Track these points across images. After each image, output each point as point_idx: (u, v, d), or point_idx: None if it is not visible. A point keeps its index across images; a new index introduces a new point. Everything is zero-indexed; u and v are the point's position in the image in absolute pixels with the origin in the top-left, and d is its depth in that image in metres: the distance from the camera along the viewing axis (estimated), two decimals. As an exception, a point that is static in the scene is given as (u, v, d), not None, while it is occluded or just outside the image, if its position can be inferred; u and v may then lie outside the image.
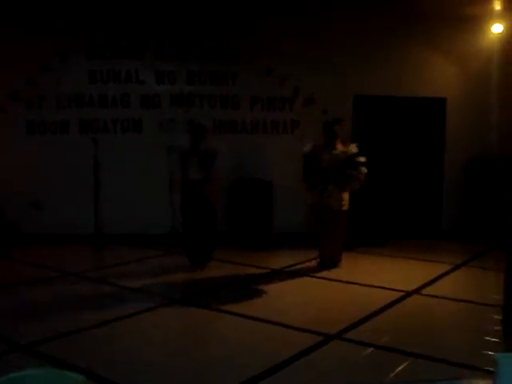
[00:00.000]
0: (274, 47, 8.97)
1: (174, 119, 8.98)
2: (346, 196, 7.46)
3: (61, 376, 1.77)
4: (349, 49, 9.09)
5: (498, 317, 5.40)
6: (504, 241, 8.07)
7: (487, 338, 5.03)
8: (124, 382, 4.07)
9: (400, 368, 4.33)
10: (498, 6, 8.72)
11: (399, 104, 9.51)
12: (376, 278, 6.97)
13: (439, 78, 9.54)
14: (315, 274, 7.24)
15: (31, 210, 8.65)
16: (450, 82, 9.56)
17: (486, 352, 4.69)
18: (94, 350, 4.67)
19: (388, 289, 6.51)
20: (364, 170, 7.24)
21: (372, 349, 4.75)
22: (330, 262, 7.50)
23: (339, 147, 7.47)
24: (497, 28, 9.04)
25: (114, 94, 8.87)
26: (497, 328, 5.22)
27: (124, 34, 8.79)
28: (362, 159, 7.30)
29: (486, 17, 9.02)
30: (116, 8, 8.63)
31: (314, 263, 7.65)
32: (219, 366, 4.42)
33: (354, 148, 7.30)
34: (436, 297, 6.30)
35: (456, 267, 7.59)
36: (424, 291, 6.48)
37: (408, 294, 6.30)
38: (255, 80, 9.08)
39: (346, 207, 7.46)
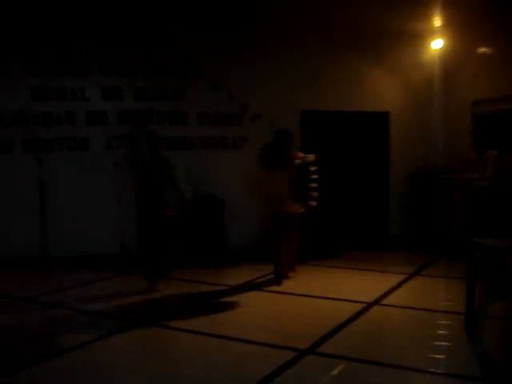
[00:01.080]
0: (221, 63, 9.00)
1: (121, 137, 8.82)
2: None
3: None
4: (295, 65, 9.23)
5: (457, 323, 5.56)
6: (454, 250, 8.39)
7: (453, 344, 5.16)
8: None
9: (378, 380, 4.37)
10: (437, 23, 9.05)
11: (345, 118, 9.73)
12: (335, 291, 7.02)
13: (382, 92, 9.83)
14: (274, 289, 7.21)
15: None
16: (393, 96, 9.87)
17: (457, 357, 4.84)
18: (65, 379, 4.46)
19: (349, 301, 6.56)
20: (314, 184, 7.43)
21: (346, 362, 4.77)
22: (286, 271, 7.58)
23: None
24: (437, 44, 9.38)
25: (58, 111, 8.63)
26: (459, 334, 5.37)
27: (68, 49, 8.58)
28: (313, 168, 7.50)
29: (427, 33, 9.36)
30: (60, 22, 8.40)
31: (270, 278, 7.65)
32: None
33: (311, 157, 7.45)
34: (396, 307, 6.40)
35: (409, 277, 7.75)
36: (384, 302, 6.56)
37: (369, 306, 6.36)
38: (203, 96, 9.07)
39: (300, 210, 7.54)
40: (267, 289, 7.27)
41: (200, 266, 8.43)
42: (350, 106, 9.61)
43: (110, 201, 8.75)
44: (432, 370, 4.59)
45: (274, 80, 9.14)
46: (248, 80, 9.05)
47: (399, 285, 7.33)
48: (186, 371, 4.62)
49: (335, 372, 4.54)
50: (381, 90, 9.81)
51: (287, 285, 7.39)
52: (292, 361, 4.74)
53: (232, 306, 6.57)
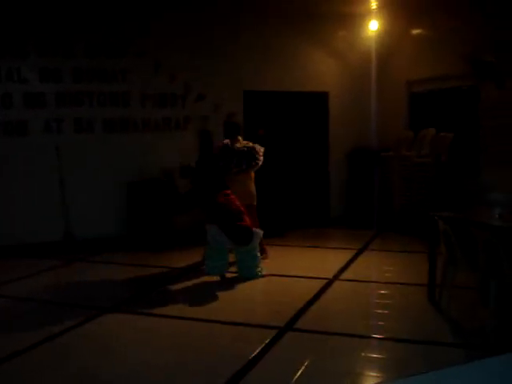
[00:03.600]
0: (162, 43, 8.84)
1: (61, 119, 8.50)
2: (252, 189, 7.57)
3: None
4: (238, 46, 9.19)
5: (418, 294, 5.82)
6: (394, 225, 8.75)
7: (419, 313, 5.40)
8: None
9: (350, 350, 4.53)
10: (374, 4, 9.27)
11: (286, 99, 9.81)
12: (294, 269, 7.15)
13: (322, 73, 9.97)
14: (232, 271, 7.23)
15: None
16: (332, 77, 10.03)
17: (425, 325, 5.08)
18: (47, 371, 4.31)
19: (309, 278, 6.70)
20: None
21: (327, 336, 4.89)
22: None
23: (241, 142, 7.57)
24: (373, 25, 9.63)
25: (-6, 94, 8.20)
26: (422, 304, 5.61)
27: (3, 29, 8.12)
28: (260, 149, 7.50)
29: (363, 15, 9.56)
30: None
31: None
32: (188, 373, 4.25)
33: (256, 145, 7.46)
34: (355, 281, 6.60)
35: (359, 252, 7.99)
36: (343, 276, 6.76)
37: (330, 281, 6.52)
38: (145, 76, 8.86)
39: (254, 202, 7.57)
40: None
41: (150, 251, 8.30)
42: (291, 87, 9.69)
43: (51, 186, 8.43)
44: (403, 337, 4.79)
45: (218, 61, 9.06)
46: (191, 61, 8.91)
47: (352, 260, 7.55)
48: (171, 357, 4.55)
49: (316, 346, 4.65)
50: (320, 71, 9.95)
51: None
52: (273, 340, 4.78)
53: (196, 289, 6.53)
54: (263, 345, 4.61)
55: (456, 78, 8.62)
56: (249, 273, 6.77)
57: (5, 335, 5.12)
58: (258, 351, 4.49)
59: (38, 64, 8.33)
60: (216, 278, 6.74)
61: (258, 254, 6.86)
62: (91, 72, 8.60)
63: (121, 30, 8.66)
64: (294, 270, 7.11)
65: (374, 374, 4.26)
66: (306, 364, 4.24)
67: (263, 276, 6.77)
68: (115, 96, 8.75)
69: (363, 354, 4.48)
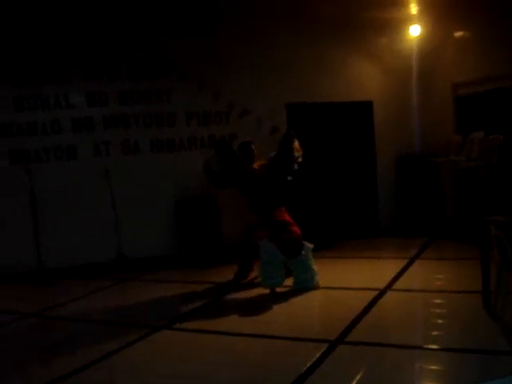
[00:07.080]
0: (205, 62, 8.92)
1: (109, 142, 8.69)
2: None
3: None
4: (278, 59, 9.21)
5: (473, 302, 5.65)
6: (447, 232, 8.56)
7: (475, 322, 5.25)
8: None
9: (405, 362, 4.43)
10: (414, 10, 9.17)
11: (329, 109, 9.75)
12: (345, 281, 7.09)
13: (365, 81, 9.89)
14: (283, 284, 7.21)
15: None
16: (375, 84, 9.94)
17: (482, 333, 4.93)
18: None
19: (362, 289, 6.62)
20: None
21: (379, 348, 4.80)
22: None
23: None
24: (415, 30, 9.50)
25: (43, 120, 8.43)
26: (478, 311, 5.45)
27: (49, 56, 8.40)
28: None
29: (404, 20, 9.45)
30: (39, 29, 8.20)
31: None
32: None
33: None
34: (409, 290, 6.51)
35: (411, 261, 7.85)
36: (395, 287, 6.64)
37: (382, 292, 6.42)
38: (189, 96, 8.98)
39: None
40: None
41: (201, 267, 8.37)
42: (334, 97, 9.63)
43: (102, 208, 8.61)
44: (458, 347, 4.66)
45: (259, 76, 9.10)
46: (234, 77, 8.99)
47: (404, 269, 7.42)
48: (223, 373, 4.55)
49: (369, 360, 4.57)
50: (363, 80, 9.86)
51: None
52: (325, 353, 4.73)
53: (248, 303, 6.55)
54: (314, 359, 4.57)
55: (502, 78, 8.42)
56: (303, 285, 6.75)
57: (65, 354, 5.21)
58: (308, 366, 4.45)
59: (84, 89, 8.56)
60: (267, 292, 6.75)
61: (314, 267, 6.83)
62: (136, 94, 8.77)
63: (163, 51, 8.78)
64: (345, 281, 7.06)
65: (430, 386, 4.18)
66: (358, 378, 4.19)
67: (318, 287, 6.75)
68: (160, 116, 8.90)
69: (418, 366, 4.40)
